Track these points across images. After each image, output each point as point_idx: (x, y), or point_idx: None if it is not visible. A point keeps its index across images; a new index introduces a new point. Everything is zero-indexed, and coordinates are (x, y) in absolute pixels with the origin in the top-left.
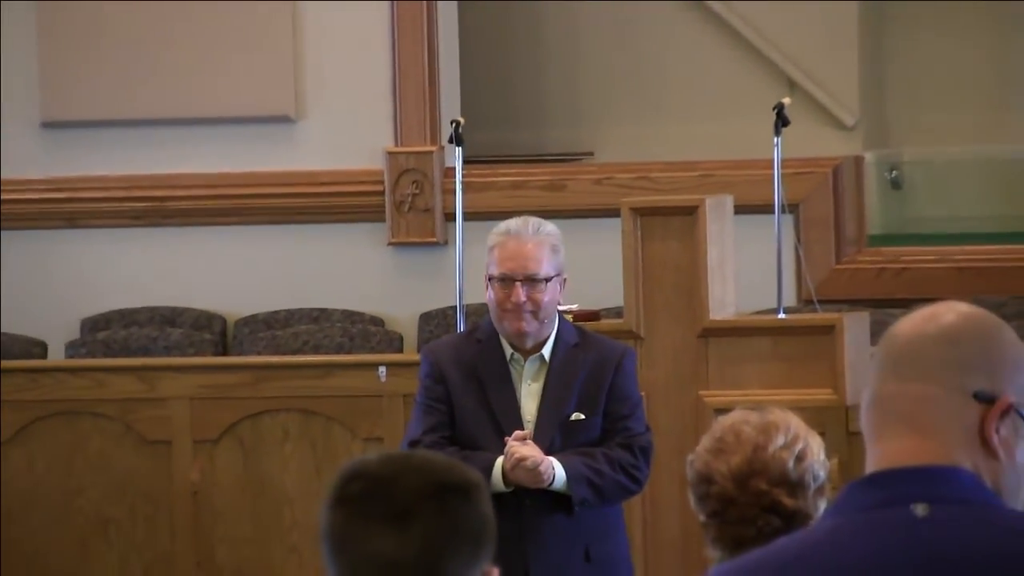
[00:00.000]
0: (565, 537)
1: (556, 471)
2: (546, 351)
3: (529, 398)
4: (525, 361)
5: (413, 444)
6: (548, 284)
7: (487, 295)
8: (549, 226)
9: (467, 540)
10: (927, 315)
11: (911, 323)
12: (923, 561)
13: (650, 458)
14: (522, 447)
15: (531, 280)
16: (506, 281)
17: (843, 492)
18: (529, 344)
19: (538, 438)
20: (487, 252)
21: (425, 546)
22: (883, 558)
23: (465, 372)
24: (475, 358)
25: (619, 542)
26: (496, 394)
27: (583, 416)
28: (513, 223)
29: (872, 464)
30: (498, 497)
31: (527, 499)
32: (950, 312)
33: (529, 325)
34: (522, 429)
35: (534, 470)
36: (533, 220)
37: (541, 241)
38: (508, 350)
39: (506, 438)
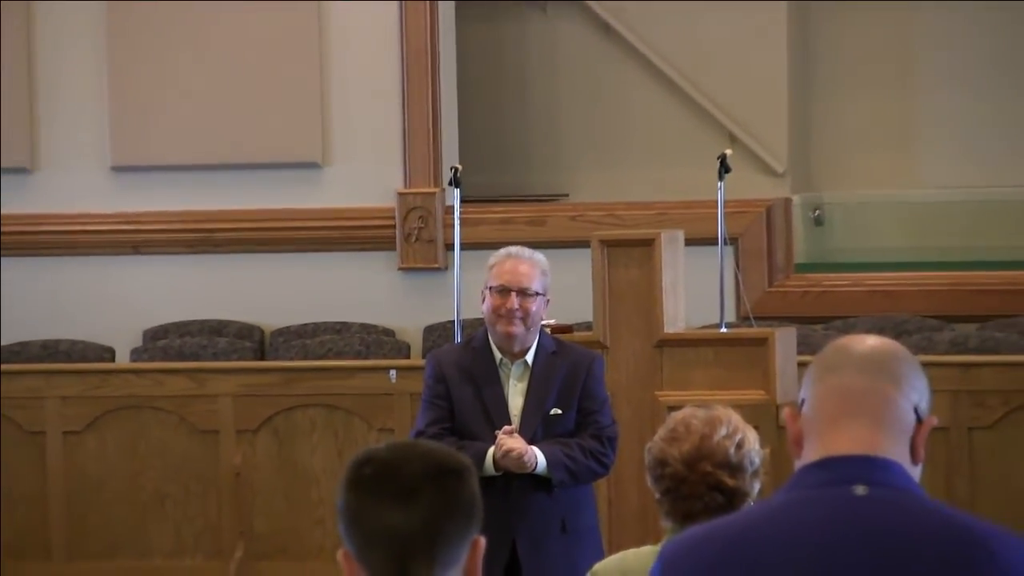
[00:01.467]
0: (545, 512)
1: (538, 458)
2: (529, 357)
3: (515, 396)
4: (512, 365)
5: (419, 434)
6: (536, 298)
7: (483, 306)
8: (540, 255)
9: (461, 514)
10: (874, 338)
11: (864, 340)
12: (860, 532)
13: (616, 446)
14: (510, 439)
15: (523, 292)
16: (503, 291)
17: (796, 473)
18: (516, 348)
19: (523, 430)
20: (487, 270)
21: (427, 519)
22: (826, 529)
23: (462, 374)
24: (470, 362)
25: (590, 515)
26: (488, 392)
27: (560, 411)
28: (512, 248)
29: (821, 448)
30: (489, 480)
31: (513, 481)
32: (888, 340)
33: (518, 328)
34: (509, 423)
35: (519, 459)
36: (527, 249)
37: (534, 264)
38: (498, 355)
39: (496, 431)
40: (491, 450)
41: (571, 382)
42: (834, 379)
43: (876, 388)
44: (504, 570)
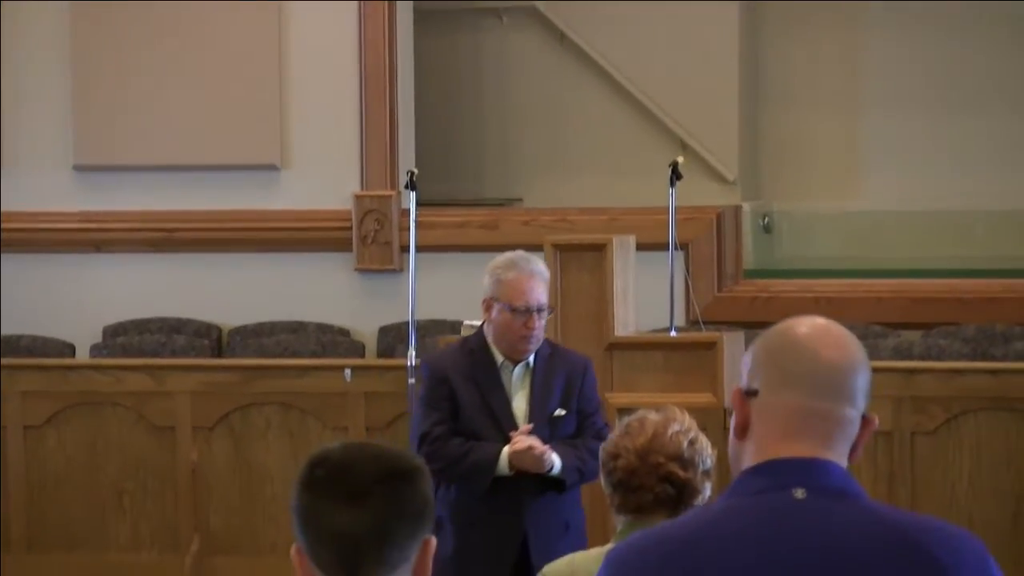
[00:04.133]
0: (553, 512)
1: (554, 460)
2: (529, 359)
3: (518, 399)
4: (514, 368)
5: (425, 435)
6: (547, 311)
7: (490, 314)
8: (542, 264)
9: (411, 516)
10: (831, 341)
11: (822, 344)
12: (800, 536)
13: None
14: (531, 438)
15: (540, 311)
16: (525, 312)
17: (737, 478)
18: (524, 357)
19: (532, 432)
20: (495, 281)
21: (377, 521)
22: (767, 533)
23: (464, 376)
24: (471, 365)
25: (581, 515)
26: (492, 394)
27: (563, 413)
28: (521, 262)
29: (764, 453)
30: (499, 480)
31: (523, 482)
32: (842, 335)
33: (535, 344)
34: (515, 424)
35: (540, 457)
36: (531, 257)
37: (545, 279)
38: (499, 358)
39: (511, 432)
40: (505, 449)
41: (570, 384)
42: (789, 396)
43: (830, 411)
44: (512, 568)
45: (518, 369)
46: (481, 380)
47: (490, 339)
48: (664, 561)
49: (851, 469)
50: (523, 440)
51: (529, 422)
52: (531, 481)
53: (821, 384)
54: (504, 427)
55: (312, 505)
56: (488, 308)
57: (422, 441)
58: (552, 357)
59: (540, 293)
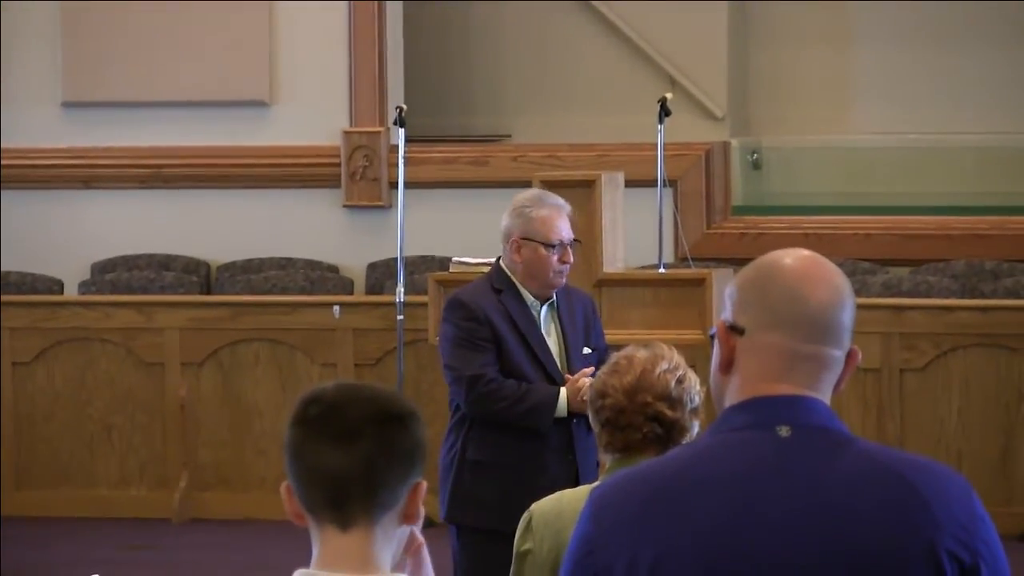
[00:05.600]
0: (593, 452)
1: None
2: (553, 297)
3: (549, 338)
4: (541, 307)
5: (478, 378)
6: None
7: (521, 254)
8: (562, 199)
9: (400, 460)
10: (820, 281)
11: (812, 287)
12: (784, 474)
13: None
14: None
15: (571, 244)
16: (560, 247)
17: (721, 415)
18: (552, 294)
19: (571, 371)
20: (525, 221)
21: (366, 463)
22: (750, 470)
23: (503, 318)
24: (503, 305)
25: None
26: (532, 336)
27: (590, 351)
28: (546, 197)
29: (750, 390)
30: (556, 419)
31: (574, 421)
32: (829, 272)
33: (563, 279)
34: (555, 363)
35: None
36: (556, 196)
37: (568, 211)
38: (529, 298)
39: (567, 375)
40: (564, 391)
41: (587, 322)
42: (776, 338)
43: (817, 354)
44: None
45: (544, 309)
46: (519, 321)
47: (516, 278)
48: (648, 500)
49: (841, 405)
50: (585, 383)
51: (565, 362)
52: (581, 421)
53: (810, 328)
54: (548, 369)
55: (303, 443)
56: (518, 248)
57: (474, 383)
58: (566, 295)
59: (568, 226)
